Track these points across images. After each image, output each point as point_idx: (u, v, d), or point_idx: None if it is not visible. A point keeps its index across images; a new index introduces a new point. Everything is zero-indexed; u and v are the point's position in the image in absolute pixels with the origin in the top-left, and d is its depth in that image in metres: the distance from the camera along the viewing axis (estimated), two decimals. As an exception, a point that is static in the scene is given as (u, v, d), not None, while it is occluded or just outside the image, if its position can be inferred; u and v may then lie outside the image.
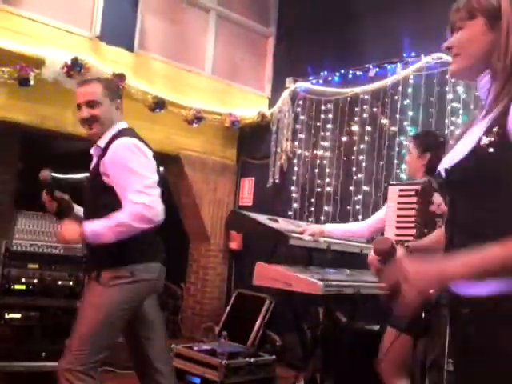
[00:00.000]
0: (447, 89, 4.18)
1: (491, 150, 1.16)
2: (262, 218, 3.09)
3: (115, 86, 2.53)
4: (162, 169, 5.92)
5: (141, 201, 2.14)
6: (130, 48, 4.75)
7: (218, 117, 5.27)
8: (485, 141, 1.18)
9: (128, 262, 2.26)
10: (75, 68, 4.14)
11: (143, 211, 2.13)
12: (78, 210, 2.49)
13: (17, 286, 3.60)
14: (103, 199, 2.27)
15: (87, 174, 2.46)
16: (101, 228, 2.14)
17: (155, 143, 5.10)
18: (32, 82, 4.03)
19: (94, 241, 2.16)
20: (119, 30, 4.68)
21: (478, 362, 1.21)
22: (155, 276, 2.35)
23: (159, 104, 4.70)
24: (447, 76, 4.19)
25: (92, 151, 2.44)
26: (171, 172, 5.72)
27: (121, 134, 2.36)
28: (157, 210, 2.18)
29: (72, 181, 2.46)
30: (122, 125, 2.45)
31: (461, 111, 4.09)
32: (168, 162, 5.63)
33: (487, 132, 1.19)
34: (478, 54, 1.28)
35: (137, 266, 2.28)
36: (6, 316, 3.53)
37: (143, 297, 2.36)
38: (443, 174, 1.30)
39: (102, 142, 2.35)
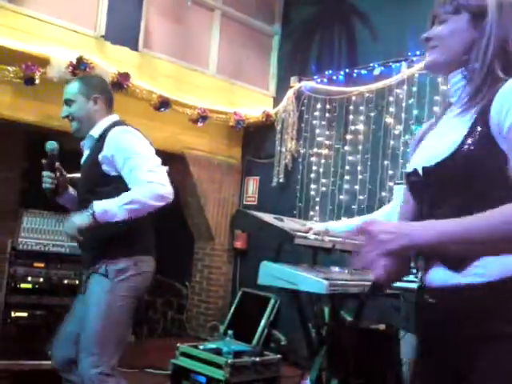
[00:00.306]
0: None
1: (476, 149, 1.18)
2: (267, 217, 3.08)
3: (96, 82, 2.54)
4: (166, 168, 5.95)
5: (154, 179, 2.17)
6: (135, 47, 4.76)
7: (222, 116, 5.27)
8: (469, 141, 1.19)
9: (132, 253, 2.29)
10: (80, 67, 4.14)
11: (158, 189, 2.16)
12: (72, 192, 2.52)
13: (23, 285, 3.61)
14: (104, 188, 2.27)
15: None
16: (112, 205, 2.12)
17: (160, 142, 5.14)
18: (37, 81, 4.04)
19: (105, 219, 2.12)
20: (124, 29, 4.69)
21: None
22: (152, 269, 2.41)
23: (164, 103, 4.71)
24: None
25: (82, 144, 2.49)
26: (176, 171, 5.71)
27: (116, 123, 2.42)
28: (169, 187, 2.21)
29: (76, 180, 2.49)
30: (114, 117, 2.50)
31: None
32: (173, 161, 5.63)
33: (471, 132, 1.19)
34: (457, 50, 1.29)
35: (140, 258, 2.33)
36: (13, 315, 3.55)
37: (145, 289, 2.40)
38: (420, 172, 1.30)
39: (95, 132, 2.41)
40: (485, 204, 1.12)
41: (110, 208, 2.12)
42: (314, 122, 5.23)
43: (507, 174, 1.15)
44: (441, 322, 1.24)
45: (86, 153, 2.46)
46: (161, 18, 5.02)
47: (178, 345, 3.79)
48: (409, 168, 1.39)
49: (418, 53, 4.40)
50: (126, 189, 2.20)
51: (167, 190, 2.20)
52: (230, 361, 3.44)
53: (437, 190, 1.27)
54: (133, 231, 2.28)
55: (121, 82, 4.39)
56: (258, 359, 3.62)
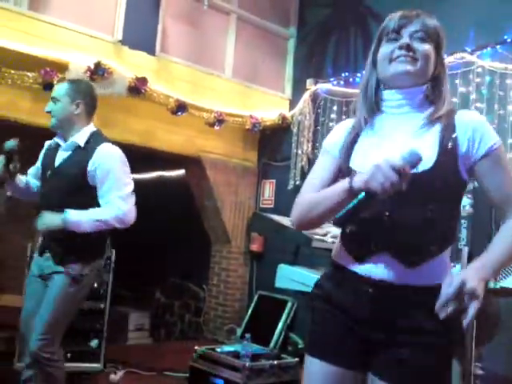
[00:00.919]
0: (470, 89, 4.12)
1: (448, 164, 1.38)
2: (284, 220, 3.09)
3: (83, 88, 2.69)
4: (183, 171, 5.98)
5: (124, 208, 2.48)
6: (152, 52, 4.79)
7: (238, 119, 5.28)
8: (443, 156, 1.37)
9: (94, 258, 2.58)
10: (98, 72, 4.18)
11: (124, 217, 2.48)
12: (21, 180, 2.72)
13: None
14: (81, 195, 2.51)
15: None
16: (85, 219, 2.42)
17: (177, 146, 5.22)
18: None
19: (74, 228, 2.41)
20: (141, 34, 4.72)
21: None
22: (101, 272, 2.78)
23: (181, 107, 4.73)
24: (471, 76, 4.14)
25: (59, 141, 2.65)
26: (193, 174, 5.75)
27: (100, 137, 2.63)
28: (133, 216, 2.53)
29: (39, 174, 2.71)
30: (92, 127, 2.67)
31: (485, 112, 4.02)
32: (189, 164, 5.67)
33: (443, 148, 1.38)
34: (427, 70, 1.46)
35: (98, 262, 2.63)
36: (32, 317, 3.57)
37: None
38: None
39: (79, 139, 2.58)
40: (438, 217, 1.38)
41: (82, 221, 2.42)
42: (331, 124, 5.21)
43: (459, 188, 1.43)
44: (376, 310, 1.39)
45: (64, 155, 2.61)
46: (177, 22, 5.05)
47: (196, 347, 3.79)
48: (362, 166, 1.43)
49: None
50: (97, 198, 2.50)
51: (130, 219, 2.52)
52: (247, 364, 3.44)
53: (401, 197, 1.33)
54: (100, 239, 2.59)
55: (138, 87, 4.42)
56: (275, 362, 3.61)
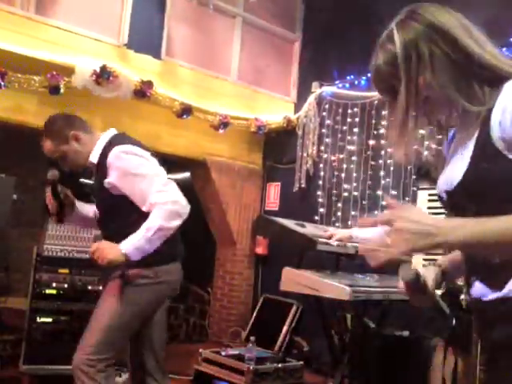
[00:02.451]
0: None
1: (486, 167, 1.16)
2: (290, 223, 3.09)
3: (61, 122, 2.49)
4: (188, 174, 5.99)
5: (166, 199, 2.17)
6: (157, 55, 4.81)
7: (243, 122, 5.29)
8: (477, 161, 1.18)
9: (153, 263, 2.28)
10: (104, 76, 4.20)
11: (172, 208, 2.17)
12: (81, 206, 2.52)
13: (48, 291, 3.66)
14: (120, 209, 2.30)
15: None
16: (141, 241, 2.14)
17: (182, 149, 5.22)
18: (62, 90, 4.11)
19: (140, 255, 2.15)
20: (146, 37, 4.74)
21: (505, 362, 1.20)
22: (176, 278, 2.45)
23: (186, 110, 4.74)
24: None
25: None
26: (198, 177, 5.76)
27: (111, 145, 2.35)
28: (182, 202, 2.22)
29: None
30: (104, 137, 2.43)
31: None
32: (194, 167, 5.68)
33: (476, 153, 1.18)
34: (415, 104, 1.26)
35: (161, 267, 2.34)
36: (38, 320, 3.60)
37: (164, 298, 2.46)
38: (444, 196, 1.29)
39: (93, 158, 2.37)
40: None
41: (140, 244, 2.14)
42: (336, 126, 5.21)
43: None
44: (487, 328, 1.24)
45: (93, 178, 2.45)
46: (183, 25, 5.07)
47: (201, 350, 3.80)
48: (437, 188, 1.37)
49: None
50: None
51: (181, 206, 2.22)
52: (252, 367, 3.44)
53: (458, 212, 1.25)
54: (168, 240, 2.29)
55: (144, 90, 4.44)
56: (280, 366, 3.62)
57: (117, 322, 2.26)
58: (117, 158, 2.28)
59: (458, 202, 1.27)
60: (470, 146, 1.21)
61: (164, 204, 2.17)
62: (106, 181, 2.27)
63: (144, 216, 2.19)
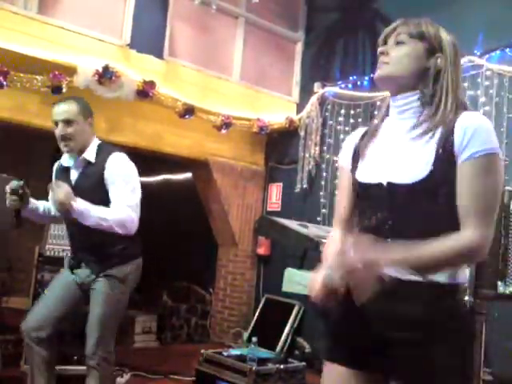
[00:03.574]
0: (479, 92, 4.11)
1: (445, 174, 1.35)
2: (292, 224, 3.08)
3: (88, 105, 2.69)
4: (190, 174, 5.99)
5: (132, 216, 2.49)
6: (160, 55, 4.80)
7: (246, 122, 5.28)
8: (439, 165, 1.35)
9: (132, 258, 2.64)
10: (106, 75, 4.20)
11: (128, 224, 2.49)
12: (37, 206, 2.70)
13: (50, 291, 3.65)
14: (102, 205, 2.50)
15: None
16: (89, 213, 2.40)
17: (184, 149, 5.22)
18: (64, 90, 4.11)
19: (76, 216, 2.40)
20: (149, 37, 4.74)
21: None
22: (140, 269, 2.73)
23: (189, 110, 4.73)
24: (479, 79, 4.12)
25: (67, 163, 2.64)
26: (200, 178, 5.76)
27: (108, 148, 2.64)
28: (135, 227, 2.54)
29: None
30: (96, 139, 2.67)
31: (493, 115, 4.00)
32: (197, 167, 5.67)
33: (439, 157, 1.36)
34: (410, 72, 1.44)
35: (137, 261, 2.67)
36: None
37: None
38: (385, 185, 1.42)
39: (89, 156, 2.58)
40: (440, 224, 1.36)
41: (87, 213, 2.40)
42: (338, 127, 5.20)
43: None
44: (388, 308, 1.39)
45: (76, 172, 2.61)
46: (185, 25, 5.06)
47: (202, 351, 3.79)
48: (366, 177, 1.48)
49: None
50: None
51: (132, 226, 2.52)
52: (254, 368, 3.43)
53: (402, 205, 1.39)
54: (132, 240, 2.60)
55: (146, 90, 4.43)
56: (282, 366, 3.61)
57: (116, 316, 2.61)
58: (119, 162, 2.56)
59: (395, 198, 1.40)
60: (428, 151, 1.37)
61: (128, 216, 2.47)
62: (104, 180, 2.52)
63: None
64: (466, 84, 4.18)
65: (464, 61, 4.20)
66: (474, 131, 1.34)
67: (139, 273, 2.72)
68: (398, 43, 1.46)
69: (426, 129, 1.40)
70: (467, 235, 1.33)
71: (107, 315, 2.54)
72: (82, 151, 2.58)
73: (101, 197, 2.51)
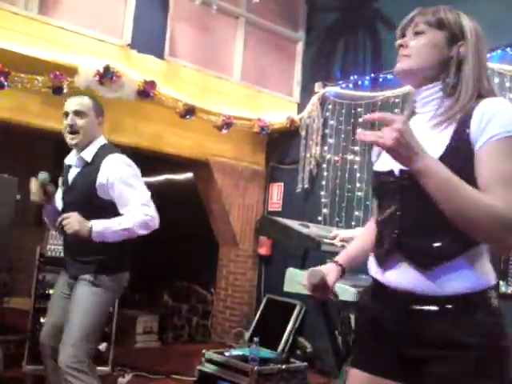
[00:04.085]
0: (480, 91, 4.10)
1: (458, 158, 1.27)
2: (293, 224, 3.08)
3: (101, 105, 2.67)
4: (191, 174, 5.99)
5: (148, 213, 2.42)
6: (161, 55, 4.80)
7: (247, 122, 5.28)
8: (452, 150, 1.28)
9: (120, 270, 2.55)
10: (107, 76, 4.20)
11: (149, 221, 2.42)
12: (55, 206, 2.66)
13: (51, 291, 3.63)
14: (94, 211, 2.44)
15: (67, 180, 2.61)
16: (110, 229, 2.35)
17: (185, 149, 5.22)
18: (65, 91, 4.11)
19: (98, 239, 2.35)
20: (150, 37, 4.74)
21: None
22: (126, 283, 2.64)
23: (189, 111, 4.73)
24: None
25: (70, 161, 2.60)
26: (201, 178, 5.75)
27: (109, 149, 2.56)
28: (156, 221, 2.47)
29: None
30: (102, 140, 2.61)
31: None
32: (198, 167, 5.67)
33: (453, 143, 1.29)
34: (431, 63, 1.38)
35: (124, 275, 2.58)
36: (42, 320, 3.59)
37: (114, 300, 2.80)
38: (396, 173, 1.37)
39: (86, 155, 2.52)
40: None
41: (107, 231, 2.35)
42: (339, 127, 5.20)
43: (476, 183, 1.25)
44: (402, 323, 1.34)
45: (75, 171, 2.57)
46: (186, 26, 5.06)
47: (204, 351, 3.79)
48: (381, 166, 1.45)
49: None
50: (115, 212, 2.44)
51: (155, 223, 2.47)
52: (256, 368, 3.43)
53: (412, 193, 1.32)
54: (122, 251, 2.53)
55: (147, 91, 4.43)
56: (283, 366, 3.61)
57: (96, 322, 2.49)
58: (116, 164, 2.47)
59: (407, 185, 1.33)
60: (444, 137, 1.31)
61: (145, 215, 2.41)
62: (98, 181, 2.44)
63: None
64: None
65: (465, 60, 4.20)
66: (492, 115, 1.26)
67: (121, 287, 2.61)
68: (417, 34, 1.39)
69: (445, 117, 1.34)
70: (496, 200, 1.19)
71: (82, 321, 2.43)
72: (84, 149, 2.54)
73: (92, 200, 2.45)
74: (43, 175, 2.51)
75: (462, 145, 1.28)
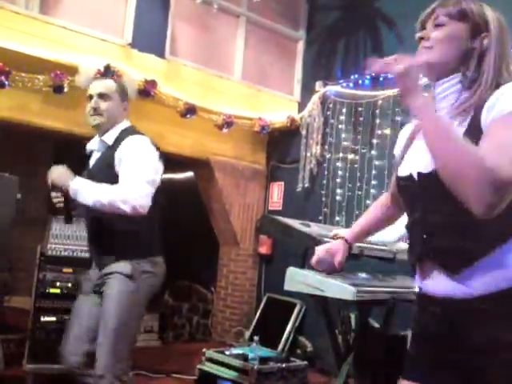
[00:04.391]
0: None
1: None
2: (294, 223, 3.08)
3: (126, 90, 2.59)
4: (191, 173, 5.99)
5: (136, 192, 2.22)
6: (161, 54, 4.80)
7: (247, 121, 5.28)
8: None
9: (148, 254, 2.37)
10: (108, 75, 4.19)
11: (134, 201, 2.20)
12: None
13: (52, 290, 3.66)
14: None
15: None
16: (88, 194, 2.22)
17: (186, 148, 5.22)
18: (66, 90, 4.11)
19: (74, 196, 2.24)
20: (150, 36, 4.74)
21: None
22: (164, 269, 2.46)
23: (190, 110, 4.73)
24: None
25: (92, 146, 2.52)
26: (201, 177, 5.75)
27: (131, 131, 2.45)
28: (145, 203, 2.24)
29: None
30: (126, 123, 2.53)
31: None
32: (198, 166, 5.67)
33: (467, 137, 1.24)
34: (452, 55, 1.34)
35: (155, 259, 2.40)
36: (42, 319, 3.59)
37: (158, 288, 2.45)
38: (415, 177, 1.35)
39: (108, 139, 2.43)
40: (469, 213, 1.17)
41: (84, 191, 2.23)
42: (340, 126, 5.20)
43: None
44: (447, 331, 1.30)
45: (97, 155, 2.49)
46: (187, 25, 5.06)
47: (204, 350, 3.79)
48: (402, 171, 1.43)
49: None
50: None
51: (142, 204, 2.22)
52: (256, 367, 3.43)
53: (430, 196, 1.31)
54: (148, 233, 2.38)
55: (148, 90, 4.43)
56: (284, 365, 3.61)
57: (127, 323, 2.28)
58: (132, 142, 2.36)
59: (425, 188, 1.32)
60: (460, 130, 1.27)
61: (134, 190, 2.22)
62: (116, 159, 2.33)
63: None
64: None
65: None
66: (501, 94, 1.24)
67: (160, 275, 2.42)
68: (437, 26, 1.36)
69: (460, 110, 1.31)
70: (494, 160, 1.14)
71: (119, 318, 2.24)
72: (106, 132, 2.45)
73: (110, 181, 2.29)
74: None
75: (475, 135, 1.24)
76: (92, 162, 2.52)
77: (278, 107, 5.58)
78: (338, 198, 5.10)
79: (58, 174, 2.28)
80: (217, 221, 5.81)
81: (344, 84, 5.21)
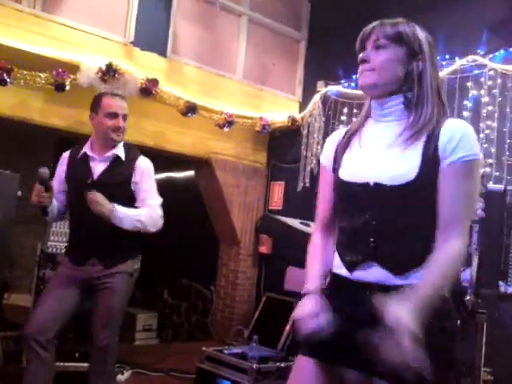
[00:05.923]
0: (482, 92, 4.10)
1: (430, 177, 1.37)
2: (294, 222, 3.09)
3: None
4: (192, 172, 5.99)
5: (161, 213, 2.71)
6: (163, 53, 4.80)
7: (248, 121, 5.28)
8: (426, 169, 1.36)
9: (139, 252, 2.78)
10: (109, 73, 4.19)
11: (159, 222, 2.71)
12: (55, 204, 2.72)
13: (52, 288, 3.65)
14: (126, 205, 2.61)
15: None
16: (127, 219, 2.56)
17: (187, 147, 5.23)
18: (67, 88, 4.11)
19: (115, 222, 2.52)
20: (152, 35, 4.74)
21: None
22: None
23: (191, 108, 4.73)
24: (483, 79, 4.11)
25: (88, 151, 2.69)
26: (202, 176, 5.76)
27: (134, 149, 2.81)
28: (160, 222, 2.74)
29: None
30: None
31: (496, 115, 4.00)
32: (199, 165, 5.68)
33: (425, 161, 1.37)
34: (394, 77, 1.44)
35: (140, 256, 2.80)
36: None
37: None
38: (371, 185, 1.41)
39: (119, 152, 2.70)
40: (422, 223, 1.38)
41: (126, 219, 2.55)
42: (341, 126, 5.20)
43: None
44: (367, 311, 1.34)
45: (101, 166, 2.66)
46: (189, 24, 5.06)
47: (203, 349, 3.79)
48: (351, 177, 1.47)
49: (447, 56, 4.34)
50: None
51: (160, 225, 2.74)
52: (255, 366, 3.43)
53: (385, 205, 1.40)
54: (138, 234, 2.71)
55: (149, 88, 4.43)
56: (283, 364, 3.61)
57: (123, 309, 2.74)
58: (147, 166, 2.74)
59: (381, 198, 1.40)
60: (415, 154, 1.38)
61: (156, 213, 2.68)
62: (132, 180, 2.66)
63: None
64: (469, 83, 4.18)
65: (467, 60, 4.20)
66: (461, 137, 1.37)
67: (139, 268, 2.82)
68: (378, 48, 1.45)
69: (412, 133, 1.41)
70: (457, 245, 1.36)
71: (121, 310, 2.69)
72: (111, 146, 2.69)
73: (122, 195, 2.61)
74: (45, 170, 2.49)
75: (433, 159, 1.37)
76: (97, 171, 2.65)
77: (279, 107, 5.58)
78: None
79: (102, 201, 2.49)
80: (217, 220, 5.81)
81: (345, 84, 5.21)
